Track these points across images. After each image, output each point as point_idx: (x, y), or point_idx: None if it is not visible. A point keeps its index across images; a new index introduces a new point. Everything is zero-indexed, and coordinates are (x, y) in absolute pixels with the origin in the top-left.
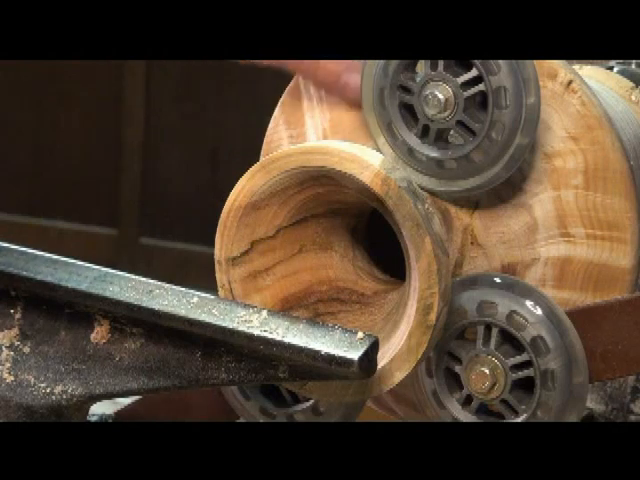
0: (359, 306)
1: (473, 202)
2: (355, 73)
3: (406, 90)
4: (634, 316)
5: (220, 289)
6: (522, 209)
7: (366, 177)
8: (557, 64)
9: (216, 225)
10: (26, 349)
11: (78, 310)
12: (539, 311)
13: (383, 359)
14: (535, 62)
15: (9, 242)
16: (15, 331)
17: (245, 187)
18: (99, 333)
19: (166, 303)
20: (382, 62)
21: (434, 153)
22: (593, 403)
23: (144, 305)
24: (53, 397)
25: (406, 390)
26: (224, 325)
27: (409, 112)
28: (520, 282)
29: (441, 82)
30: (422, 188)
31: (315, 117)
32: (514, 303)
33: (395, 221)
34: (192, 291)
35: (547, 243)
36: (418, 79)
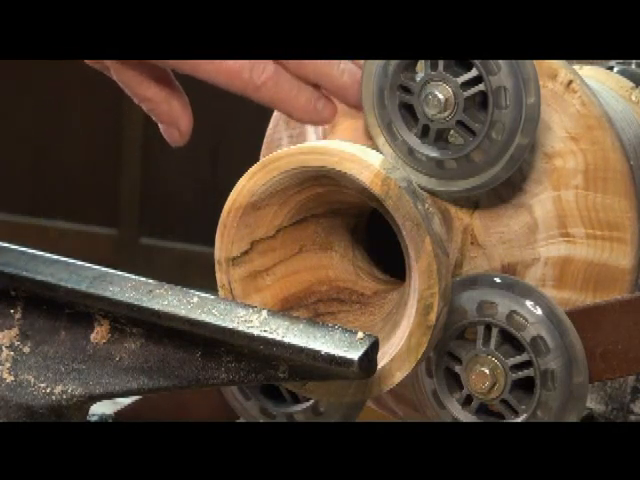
0: (359, 306)
1: (473, 202)
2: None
3: (406, 90)
4: (634, 316)
5: (220, 289)
6: (522, 209)
7: (366, 177)
8: (557, 64)
9: (216, 225)
10: (26, 349)
11: (78, 310)
12: (539, 311)
13: (383, 359)
14: (535, 62)
15: (9, 242)
16: (15, 331)
17: (245, 187)
18: (99, 333)
19: (166, 303)
20: (382, 62)
21: (434, 153)
22: (593, 403)
23: (144, 305)
24: (53, 397)
25: (406, 390)
26: (224, 325)
27: (409, 112)
28: (520, 282)
29: (441, 82)
30: (422, 188)
31: None
32: (514, 303)
33: (395, 221)
34: (192, 291)
35: (547, 243)
36: (418, 79)
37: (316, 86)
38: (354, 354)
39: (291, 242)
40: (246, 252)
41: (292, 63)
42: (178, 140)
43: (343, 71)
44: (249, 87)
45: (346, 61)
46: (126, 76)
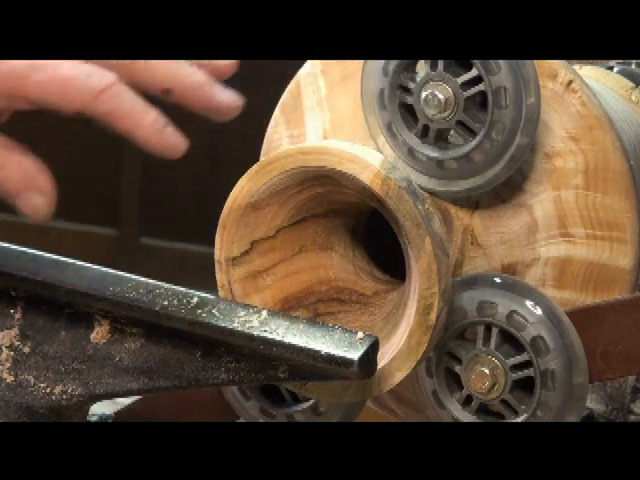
0: (359, 306)
1: (473, 202)
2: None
3: (406, 90)
4: (634, 316)
5: (220, 289)
6: (522, 209)
7: (366, 177)
8: (557, 64)
9: (216, 225)
10: (26, 349)
11: (78, 310)
12: (539, 311)
13: (383, 359)
14: (535, 62)
15: (9, 242)
16: (15, 331)
17: (245, 187)
18: (99, 333)
19: (166, 303)
20: (382, 62)
21: (434, 153)
22: (593, 403)
23: (144, 305)
24: (53, 397)
25: (406, 390)
26: (224, 325)
27: (409, 112)
28: (520, 282)
29: (441, 82)
30: (422, 188)
31: (315, 117)
32: (514, 303)
33: (395, 221)
34: (192, 291)
35: (547, 243)
36: (418, 79)
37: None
38: (354, 354)
39: (291, 242)
40: (246, 252)
41: (139, 65)
42: (42, 208)
43: (193, 72)
44: (85, 95)
45: (193, 66)
46: None
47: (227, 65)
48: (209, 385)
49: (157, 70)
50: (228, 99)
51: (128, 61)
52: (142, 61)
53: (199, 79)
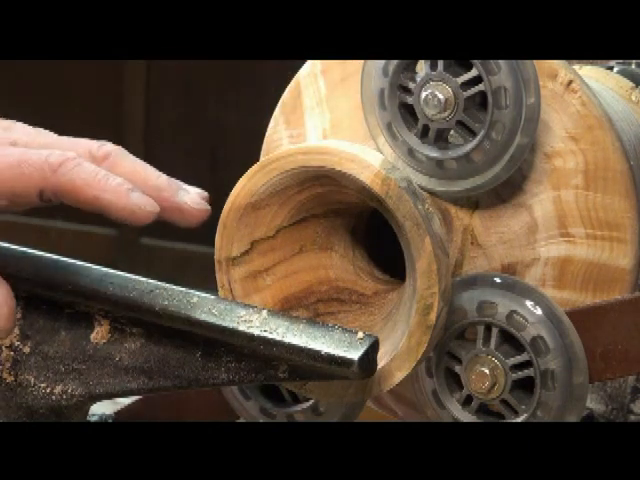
0: (359, 306)
1: (473, 202)
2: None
3: (406, 90)
4: (634, 316)
5: (220, 289)
6: (522, 209)
7: (366, 177)
8: (557, 64)
9: (216, 225)
10: (26, 349)
11: (78, 310)
12: (539, 311)
13: (383, 359)
14: (535, 62)
15: (9, 242)
16: (15, 331)
17: (245, 187)
18: (99, 333)
19: (166, 303)
20: (382, 62)
21: (434, 153)
22: (593, 403)
23: (144, 305)
24: (53, 397)
25: (406, 390)
26: (224, 325)
27: (409, 112)
28: (520, 282)
29: (441, 82)
30: (422, 188)
31: (315, 117)
32: (514, 303)
33: (395, 221)
34: (192, 291)
35: (547, 243)
36: (418, 79)
37: None
38: (354, 354)
39: (291, 242)
40: (246, 252)
41: (105, 164)
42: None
43: (160, 174)
44: (45, 170)
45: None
46: None
47: (201, 211)
48: (209, 385)
49: (121, 170)
50: (193, 202)
51: (90, 154)
52: (109, 160)
53: (162, 182)
